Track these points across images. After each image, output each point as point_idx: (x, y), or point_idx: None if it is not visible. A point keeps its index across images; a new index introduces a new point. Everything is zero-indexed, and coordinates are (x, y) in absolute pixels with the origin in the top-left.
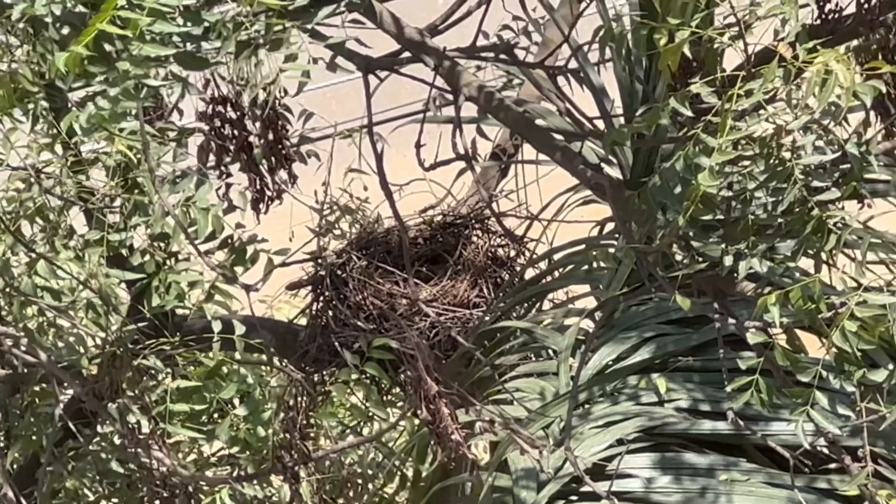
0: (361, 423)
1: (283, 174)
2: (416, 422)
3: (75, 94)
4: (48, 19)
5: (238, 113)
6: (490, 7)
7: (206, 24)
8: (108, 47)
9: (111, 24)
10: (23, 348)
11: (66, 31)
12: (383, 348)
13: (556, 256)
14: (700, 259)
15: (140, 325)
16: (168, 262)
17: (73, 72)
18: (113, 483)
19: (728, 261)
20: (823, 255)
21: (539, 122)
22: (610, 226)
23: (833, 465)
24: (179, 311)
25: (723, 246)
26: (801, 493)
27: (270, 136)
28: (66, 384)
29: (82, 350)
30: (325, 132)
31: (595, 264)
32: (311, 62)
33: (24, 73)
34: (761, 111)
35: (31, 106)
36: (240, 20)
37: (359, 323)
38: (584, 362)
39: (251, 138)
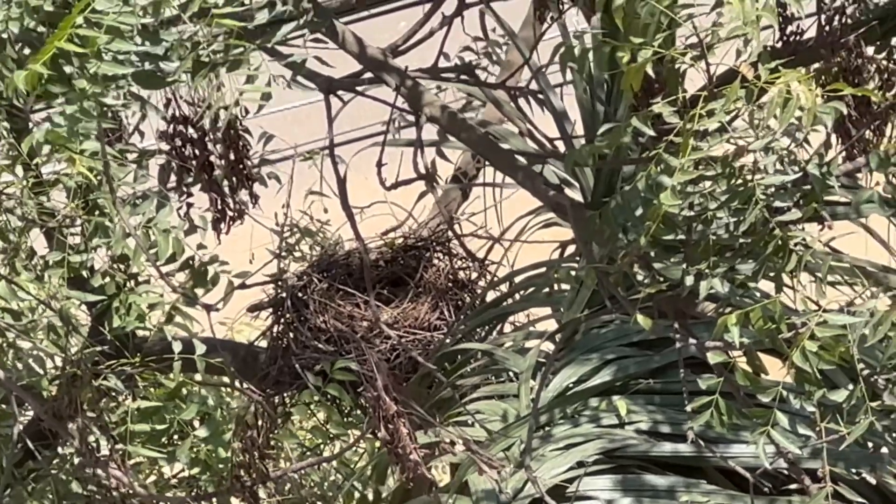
0: (322, 445)
1: (244, 195)
2: (377, 443)
3: (37, 115)
4: (4, 35)
5: (199, 133)
6: (451, 29)
7: (165, 43)
8: (67, 67)
9: (70, 43)
10: None
11: (26, 50)
12: (345, 370)
13: (518, 279)
14: (661, 279)
15: (101, 346)
16: (129, 283)
17: (31, 91)
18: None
19: (689, 281)
20: (784, 276)
21: (501, 143)
22: (571, 248)
23: (793, 487)
24: (140, 333)
25: (684, 266)
26: None
27: (232, 157)
28: (25, 405)
29: (42, 371)
30: (286, 154)
31: (556, 286)
32: (272, 83)
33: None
34: (723, 132)
35: None
36: (197, 40)
37: (320, 345)
38: (545, 384)
39: (212, 158)
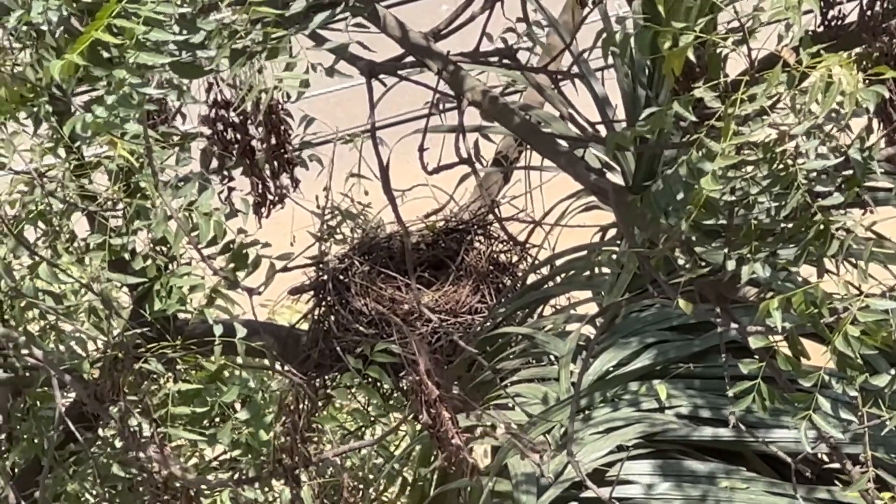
0: (363, 428)
1: (285, 179)
2: (418, 426)
3: (79, 98)
4: (44, 27)
5: (241, 117)
6: (493, 12)
7: (203, 32)
8: (104, 54)
9: (107, 32)
10: (24, 351)
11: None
12: (385, 353)
13: (558, 262)
14: (702, 264)
15: (142, 329)
16: (170, 266)
17: (68, 78)
18: (114, 486)
19: (730, 266)
20: (826, 261)
21: (543, 127)
22: (612, 232)
23: (834, 473)
24: (181, 316)
25: (725, 251)
26: (802, 501)
27: (273, 141)
28: (67, 387)
29: (84, 354)
30: (328, 137)
31: (597, 270)
32: (312, 68)
33: (27, 77)
34: (764, 116)
35: (34, 109)
36: (235, 28)
37: (361, 328)
38: (586, 368)
39: (254, 143)
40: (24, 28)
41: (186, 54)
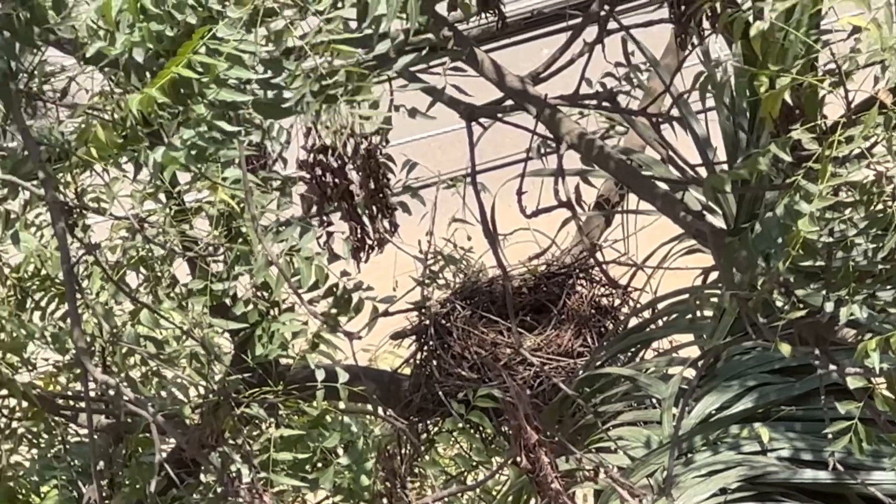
0: (465, 472)
1: (384, 223)
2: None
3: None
4: (123, 59)
5: (339, 162)
6: (592, 55)
7: (287, 72)
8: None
9: (189, 69)
10: (125, 397)
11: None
12: (487, 397)
13: (660, 305)
14: (801, 306)
15: (243, 374)
16: (271, 311)
17: (150, 114)
18: None
19: (829, 308)
20: None
21: (643, 170)
22: (714, 275)
23: None
24: (283, 361)
25: (824, 293)
26: None
27: (372, 185)
28: (168, 433)
29: (185, 399)
30: (430, 181)
31: (698, 313)
32: (410, 115)
33: (130, 120)
34: (862, 158)
35: (134, 154)
36: (320, 69)
37: (463, 372)
38: (687, 411)
39: (353, 187)
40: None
41: (270, 94)
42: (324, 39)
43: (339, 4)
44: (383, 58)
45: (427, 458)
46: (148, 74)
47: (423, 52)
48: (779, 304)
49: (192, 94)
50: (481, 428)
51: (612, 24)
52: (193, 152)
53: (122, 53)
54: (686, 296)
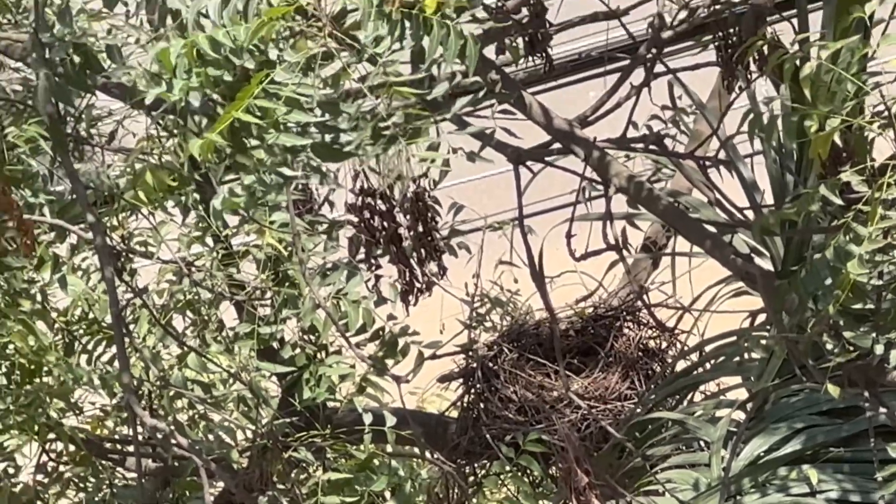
0: None
1: (432, 266)
2: None
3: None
4: (181, 104)
5: (387, 205)
6: (640, 98)
7: (345, 115)
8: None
9: (248, 113)
10: (173, 441)
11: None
12: (537, 441)
13: (708, 348)
14: (851, 348)
15: (291, 418)
16: (319, 354)
17: (209, 160)
18: None
19: (879, 350)
20: None
21: (690, 213)
22: (762, 317)
23: None
24: (330, 404)
25: (873, 335)
26: None
27: (419, 228)
28: (216, 477)
29: (232, 443)
30: (477, 224)
31: (746, 355)
32: (453, 153)
33: (176, 164)
34: None
35: (182, 198)
36: (378, 112)
37: (510, 415)
38: (736, 453)
39: (400, 230)
40: (171, 117)
41: (328, 137)
42: (382, 81)
43: (397, 46)
44: (436, 101)
45: (475, 501)
46: (203, 119)
47: (478, 95)
48: (828, 346)
49: (251, 139)
50: (529, 471)
51: (658, 67)
52: (255, 199)
53: (180, 100)
54: (734, 338)
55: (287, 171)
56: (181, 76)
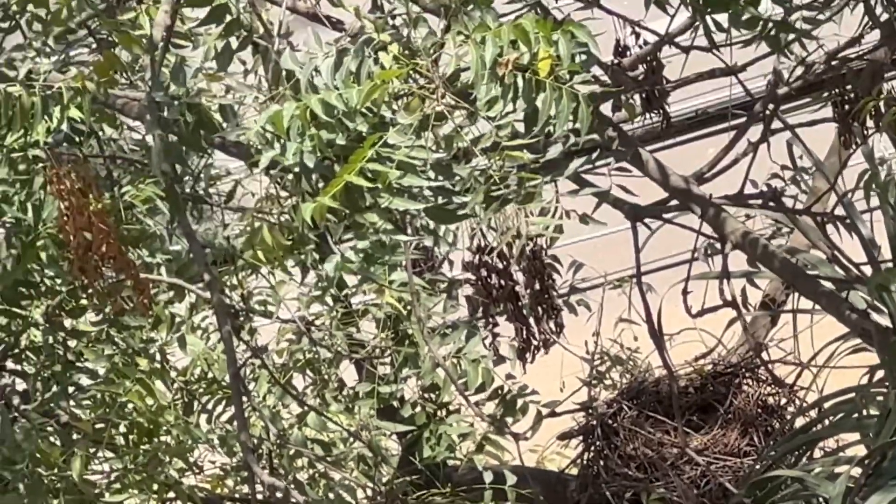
0: None
1: (550, 324)
2: None
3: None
4: (296, 169)
5: (504, 263)
6: (757, 154)
7: (458, 177)
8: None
9: (361, 176)
10: (293, 500)
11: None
12: (658, 500)
13: (826, 404)
14: None
15: (411, 476)
16: (438, 413)
17: (324, 222)
18: None
19: None
20: None
21: (808, 270)
22: (880, 373)
23: None
24: (450, 462)
25: None
26: None
27: (536, 286)
28: None
29: (353, 502)
30: (596, 282)
31: (865, 412)
32: (570, 216)
33: (294, 223)
34: None
35: (301, 257)
36: (490, 174)
37: (629, 472)
38: None
39: (517, 288)
40: (290, 176)
41: (441, 199)
42: (495, 142)
43: (510, 107)
44: (551, 161)
45: None
46: (318, 178)
47: (591, 155)
48: None
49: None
50: None
51: (776, 124)
52: (366, 261)
53: (294, 163)
54: (852, 395)
55: (403, 237)
56: (294, 138)
